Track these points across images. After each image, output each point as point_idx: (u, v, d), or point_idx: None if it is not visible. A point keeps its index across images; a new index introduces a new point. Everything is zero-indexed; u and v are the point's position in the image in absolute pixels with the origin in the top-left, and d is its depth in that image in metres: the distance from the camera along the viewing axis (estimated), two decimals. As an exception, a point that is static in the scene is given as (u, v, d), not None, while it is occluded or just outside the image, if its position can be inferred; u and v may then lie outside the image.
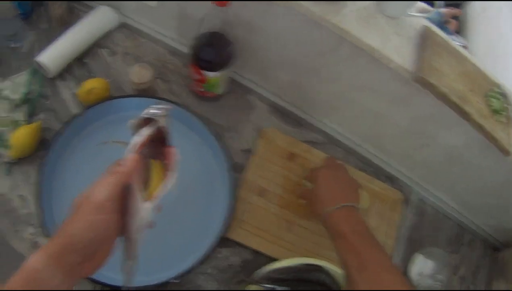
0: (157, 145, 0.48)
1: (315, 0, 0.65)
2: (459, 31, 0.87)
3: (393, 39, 0.70)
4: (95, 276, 0.63)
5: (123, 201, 0.43)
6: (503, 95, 0.78)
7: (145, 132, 0.45)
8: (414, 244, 0.85)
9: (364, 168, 0.90)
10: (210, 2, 0.64)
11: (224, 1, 0.64)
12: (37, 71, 0.84)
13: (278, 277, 0.67)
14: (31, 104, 0.82)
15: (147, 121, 0.46)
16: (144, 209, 0.44)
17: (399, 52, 0.69)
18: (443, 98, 0.70)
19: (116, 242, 0.44)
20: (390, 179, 0.90)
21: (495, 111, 0.74)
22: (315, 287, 0.68)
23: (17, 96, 0.80)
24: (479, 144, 0.74)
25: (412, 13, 0.72)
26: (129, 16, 0.88)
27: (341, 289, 0.69)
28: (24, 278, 0.37)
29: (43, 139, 0.79)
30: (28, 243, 0.71)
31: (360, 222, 0.61)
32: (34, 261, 0.38)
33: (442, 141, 0.78)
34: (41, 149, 0.78)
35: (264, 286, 0.66)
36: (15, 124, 0.79)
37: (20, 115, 0.80)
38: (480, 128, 0.71)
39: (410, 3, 0.70)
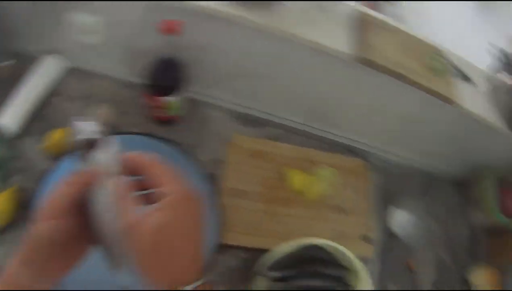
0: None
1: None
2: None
3: (330, 29, 0.82)
4: None
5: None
6: (441, 54, 0.93)
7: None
8: (387, 203, 1.00)
9: (326, 148, 1.02)
10: (161, 33, 0.71)
11: (171, 29, 0.71)
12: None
13: (281, 264, 0.79)
14: (2, 169, 0.87)
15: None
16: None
17: (340, 40, 0.81)
18: (385, 70, 0.83)
19: (85, 250, 0.49)
20: (350, 150, 1.04)
21: (435, 70, 0.90)
22: (316, 264, 0.81)
23: (-15, 164, 0.86)
24: (426, 101, 0.89)
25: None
26: (77, 60, 0.93)
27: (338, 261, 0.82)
28: (1, 283, 0.43)
29: (24, 202, 0.83)
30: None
31: None
32: (8, 265, 0.44)
33: (394, 106, 0.92)
34: (23, 210, 0.83)
35: (269, 275, 0.77)
36: (-9, 192, 0.84)
37: (-7, 182, 0.85)
38: (423, 88, 0.86)
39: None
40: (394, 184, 1.03)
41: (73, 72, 0.95)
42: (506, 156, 1.08)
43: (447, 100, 0.90)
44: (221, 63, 0.88)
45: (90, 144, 0.46)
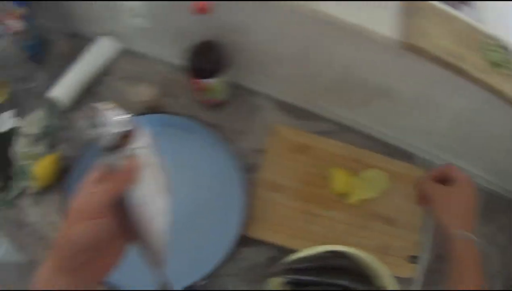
0: None
1: None
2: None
3: (376, 13, 0.77)
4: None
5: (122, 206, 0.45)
6: (504, 48, 0.83)
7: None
8: None
9: (381, 149, 0.95)
10: (193, 14, 0.73)
11: (203, 9, 0.72)
12: (52, 106, 0.99)
13: (301, 267, 0.73)
14: (50, 137, 0.95)
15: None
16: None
17: (385, 24, 0.76)
18: (437, 60, 0.76)
19: (123, 248, 0.47)
20: (409, 157, 0.95)
21: (496, 65, 0.79)
22: (339, 274, 0.73)
23: (36, 131, 0.94)
24: (487, 102, 0.78)
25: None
26: (130, 42, 1.00)
27: (369, 273, 0.74)
28: (32, 286, 0.42)
29: (65, 168, 0.91)
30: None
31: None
32: (40, 270, 0.43)
33: (450, 107, 0.82)
34: (64, 176, 0.90)
35: (286, 277, 0.72)
36: (37, 157, 0.92)
37: (41, 148, 0.93)
38: (482, 84, 0.76)
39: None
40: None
41: (126, 54, 1.02)
42: None
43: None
44: (262, 47, 0.87)
45: (123, 137, 0.43)
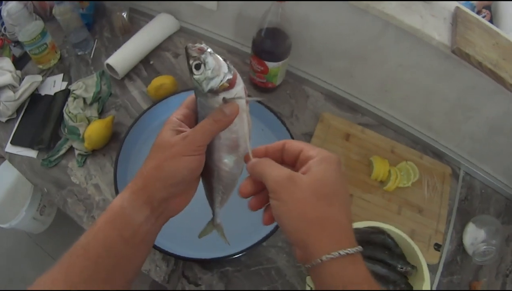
0: None
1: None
2: (492, 21, 1.06)
3: (430, 20, 0.88)
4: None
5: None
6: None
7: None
8: (465, 215, 0.97)
9: (413, 145, 1.03)
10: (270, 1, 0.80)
11: None
12: (105, 73, 1.01)
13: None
14: (101, 102, 0.98)
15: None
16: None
17: (437, 30, 0.86)
18: (479, 66, 0.86)
19: (197, 186, 0.48)
20: (437, 155, 1.03)
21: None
22: (379, 248, 0.80)
23: (88, 95, 0.97)
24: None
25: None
26: (188, 22, 1.06)
27: (402, 251, 0.81)
28: (109, 216, 0.41)
29: (115, 133, 0.93)
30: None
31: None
32: (119, 198, 0.42)
33: (485, 112, 0.92)
34: (113, 141, 0.93)
35: None
36: (87, 120, 0.94)
37: (92, 112, 0.95)
38: (516, 92, 0.88)
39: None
40: (474, 200, 1.00)
41: (183, 32, 1.07)
42: None
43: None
44: (321, 39, 0.95)
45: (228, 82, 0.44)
